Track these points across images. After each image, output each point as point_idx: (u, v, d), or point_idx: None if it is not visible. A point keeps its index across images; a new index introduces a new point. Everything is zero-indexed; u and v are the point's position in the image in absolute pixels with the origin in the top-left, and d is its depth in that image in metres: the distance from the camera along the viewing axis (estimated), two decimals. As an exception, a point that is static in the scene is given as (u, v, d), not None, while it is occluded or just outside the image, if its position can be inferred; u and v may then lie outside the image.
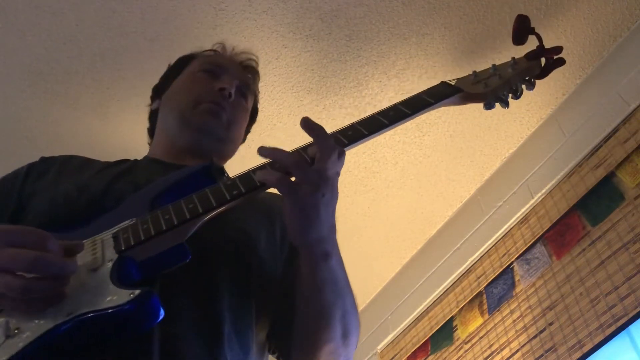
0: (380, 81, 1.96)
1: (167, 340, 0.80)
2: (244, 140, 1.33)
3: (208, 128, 1.13)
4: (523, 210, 1.98)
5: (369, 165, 2.18)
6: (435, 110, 2.03)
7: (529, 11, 1.79)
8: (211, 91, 1.17)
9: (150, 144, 1.27)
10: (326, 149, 0.85)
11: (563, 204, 1.82)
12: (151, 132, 1.28)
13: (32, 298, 0.71)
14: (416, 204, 2.31)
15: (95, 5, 1.76)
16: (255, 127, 2.08)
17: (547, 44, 1.18)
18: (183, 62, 1.30)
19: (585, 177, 1.79)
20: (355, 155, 2.13)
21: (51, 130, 2.04)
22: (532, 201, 1.96)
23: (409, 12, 1.82)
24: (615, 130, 1.76)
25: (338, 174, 0.88)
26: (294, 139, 2.09)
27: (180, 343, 0.82)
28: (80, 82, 1.93)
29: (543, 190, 1.93)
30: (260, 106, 2.03)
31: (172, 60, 1.35)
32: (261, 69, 1.94)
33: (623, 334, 1.43)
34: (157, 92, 1.29)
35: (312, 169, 0.83)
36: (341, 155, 0.88)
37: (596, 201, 1.72)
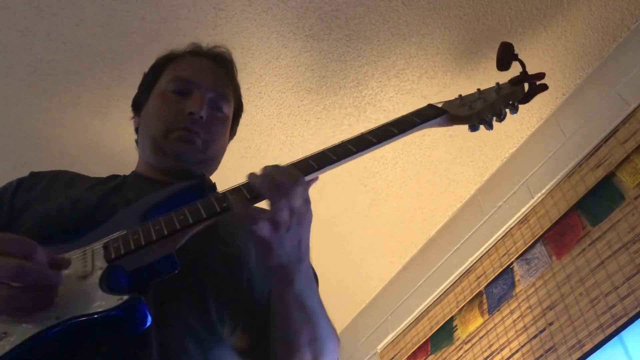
0: (380, 81, 1.96)
1: (164, 343, 0.81)
2: (233, 134, 1.29)
3: (183, 155, 1.11)
4: (523, 210, 1.98)
5: (369, 165, 2.18)
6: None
7: (529, 11, 1.80)
8: (181, 116, 1.12)
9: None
10: (288, 186, 0.86)
11: (563, 204, 1.82)
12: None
13: (18, 306, 0.71)
14: (416, 204, 2.31)
15: (95, 5, 1.76)
16: (255, 127, 2.09)
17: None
18: (157, 70, 1.24)
19: (585, 177, 1.79)
20: (355, 155, 2.13)
21: (51, 130, 2.04)
22: (532, 201, 1.96)
23: (409, 12, 1.82)
24: (615, 130, 1.76)
25: (307, 202, 0.88)
26: (294, 139, 2.09)
27: (176, 346, 0.84)
28: (80, 82, 1.93)
29: (543, 190, 1.93)
30: (260, 106, 2.05)
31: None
32: (261, 69, 1.95)
33: (615, 340, 1.43)
34: (137, 106, 1.24)
35: (279, 206, 0.84)
36: (304, 184, 0.89)
37: (596, 201, 1.72)
